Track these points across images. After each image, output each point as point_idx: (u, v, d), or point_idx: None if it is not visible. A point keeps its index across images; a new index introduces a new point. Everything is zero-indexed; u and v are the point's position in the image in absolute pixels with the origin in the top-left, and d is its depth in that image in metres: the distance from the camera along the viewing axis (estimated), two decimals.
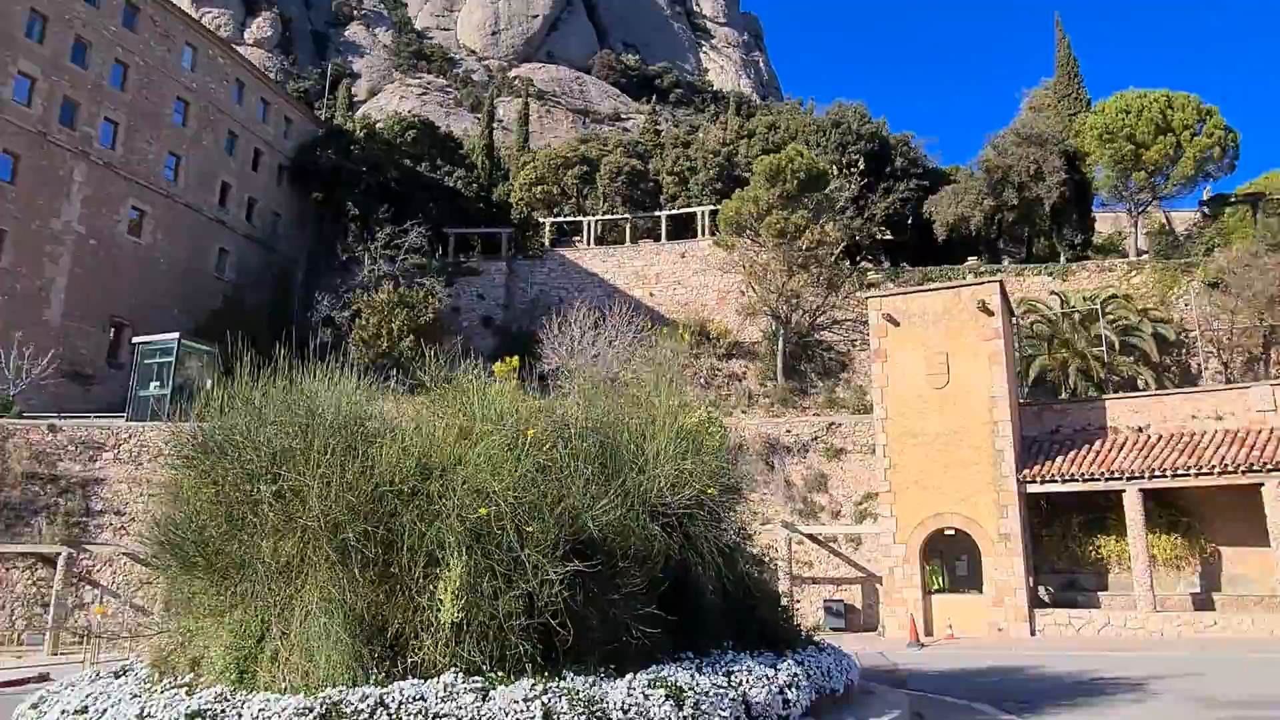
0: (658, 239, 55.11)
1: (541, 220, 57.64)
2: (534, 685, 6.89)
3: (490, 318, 53.47)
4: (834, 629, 25.80)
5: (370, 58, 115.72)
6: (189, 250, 48.17)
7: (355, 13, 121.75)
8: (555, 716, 6.65)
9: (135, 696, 7.48)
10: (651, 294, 52.69)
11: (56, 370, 35.97)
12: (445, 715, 6.59)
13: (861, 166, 48.65)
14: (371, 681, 7.10)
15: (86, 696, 7.68)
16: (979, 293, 25.73)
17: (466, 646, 7.13)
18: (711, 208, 52.89)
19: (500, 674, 7.15)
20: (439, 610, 6.99)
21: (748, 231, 39.28)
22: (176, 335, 34.00)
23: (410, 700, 6.70)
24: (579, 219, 57.56)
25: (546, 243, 56.82)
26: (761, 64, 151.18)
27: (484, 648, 7.08)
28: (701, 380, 46.66)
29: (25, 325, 38.38)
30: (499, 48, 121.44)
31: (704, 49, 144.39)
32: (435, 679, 7.00)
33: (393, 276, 45.11)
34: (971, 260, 43.45)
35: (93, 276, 42.27)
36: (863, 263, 50.37)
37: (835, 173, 46.26)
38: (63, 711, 7.60)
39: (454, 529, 7.04)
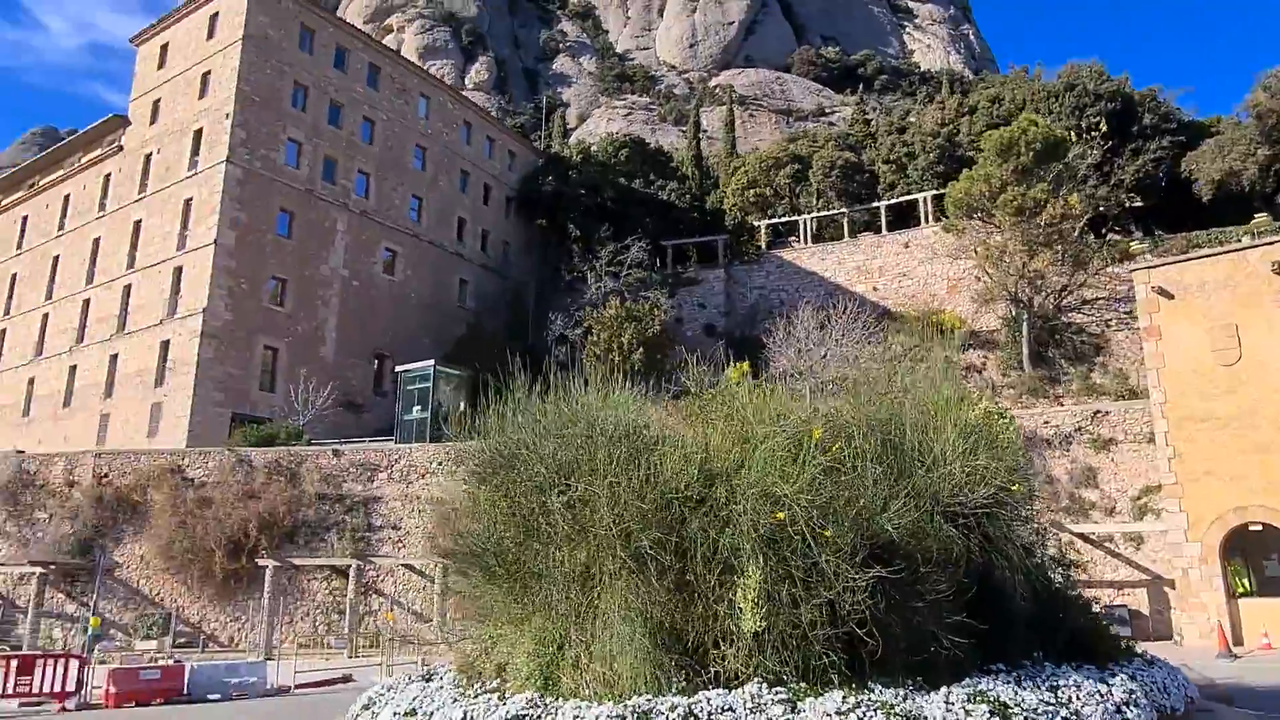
0: (877, 231, 53.21)
1: (756, 224, 57.36)
2: (844, 698, 6.61)
3: (713, 325, 53.81)
4: (1122, 638, 23.39)
5: (578, 86, 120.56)
6: (434, 284, 52.27)
7: (561, 46, 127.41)
8: None
9: (455, 701, 7.95)
10: (875, 288, 50.88)
11: (334, 401, 40.11)
12: None
13: (1103, 129, 44.43)
14: (673, 690, 7.11)
15: (413, 700, 8.28)
16: (1270, 254, 22.55)
17: (768, 656, 6.97)
18: (934, 193, 50.32)
19: (804, 685, 6.93)
20: (738, 618, 6.90)
21: (979, 213, 36.90)
22: (432, 362, 36.90)
23: (719, 711, 6.63)
24: (794, 219, 56.73)
25: (763, 246, 56.46)
26: (971, 36, 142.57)
27: (785, 657, 6.90)
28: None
29: (307, 363, 43.18)
30: (698, 59, 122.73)
31: (907, 30, 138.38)
32: (739, 689, 6.90)
33: (618, 292, 46.52)
34: (1261, 218, 38.25)
35: (357, 315, 46.85)
36: (1110, 235, 45.89)
37: (1073, 140, 42.51)
38: (394, 713, 8.22)
39: (748, 535, 6.93)
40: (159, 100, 47.59)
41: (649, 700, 6.87)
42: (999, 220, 35.92)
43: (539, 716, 7.14)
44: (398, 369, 38.86)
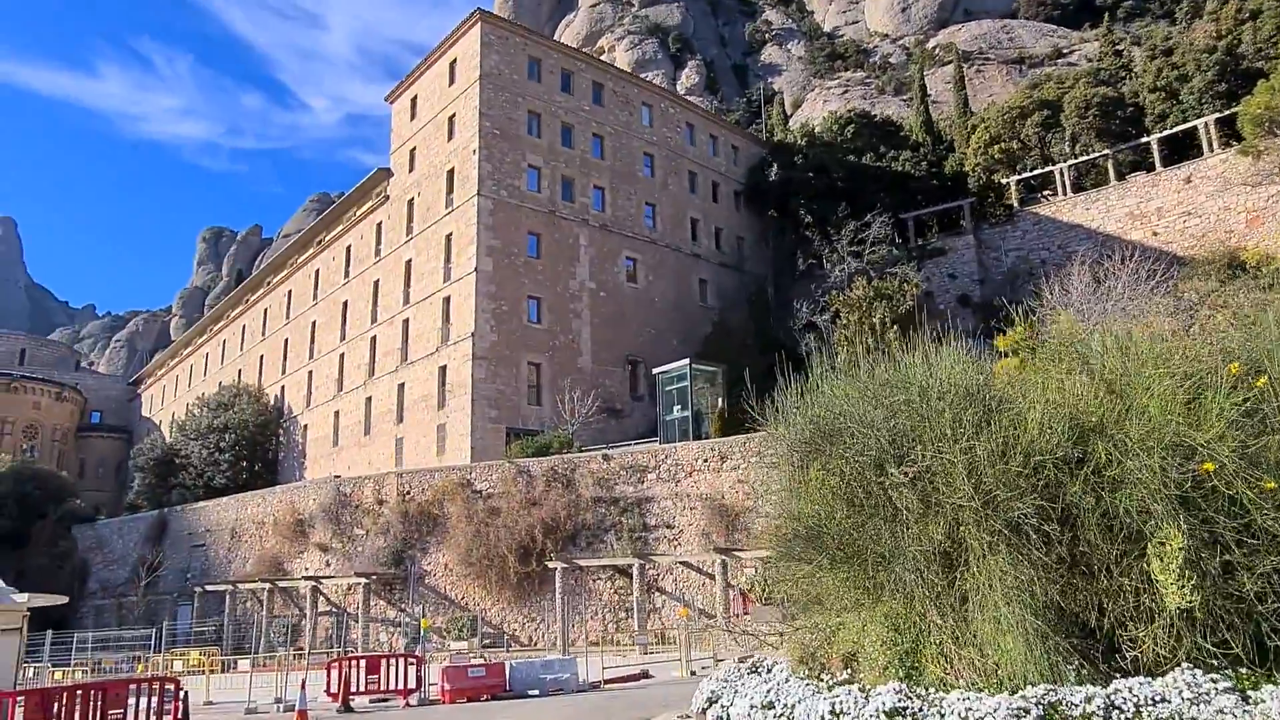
0: (1150, 170, 47.51)
1: (1004, 181, 53.19)
2: None
3: (967, 295, 50.52)
4: None
5: (788, 73, 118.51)
6: (675, 286, 53.08)
7: (767, 36, 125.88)
8: None
9: (816, 693, 7.52)
10: (1155, 233, 45.47)
11: (596, 409, 41.66)
12: None
13: None
14: (1074, 679, 6.24)
15: (768, 693, 7.96)
16: None
17: (1199, 636, 5.93)
18: (1218, 115, 44.14)
19: (1244, 671, 5.82)
20: (1158, 593, 5.92)
21: None
22: (687, 361, 37.31)
23: (1148, 702, 5.69)
24: (1047, 170, 51.99)
25: (1014, 204, 52.24)
26: None
27: (1225, 637, 5.82)
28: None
29: (567, 373, 45.25)
30: (911, 23, 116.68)
31: None
32: (1165, 675, 5.91)
33: (863, 271, 44.82)
34: None
35: (607, 324, 48.50)
36: None
37: None
38: (751, 706, 7.93)
39: (1158, 494, 5.93)
40: (414, 149, 52.01)
41: (1052, 690, 6.06)
42: None
43: (918, 710, 6.53)
44: (654, 370, 39.71)
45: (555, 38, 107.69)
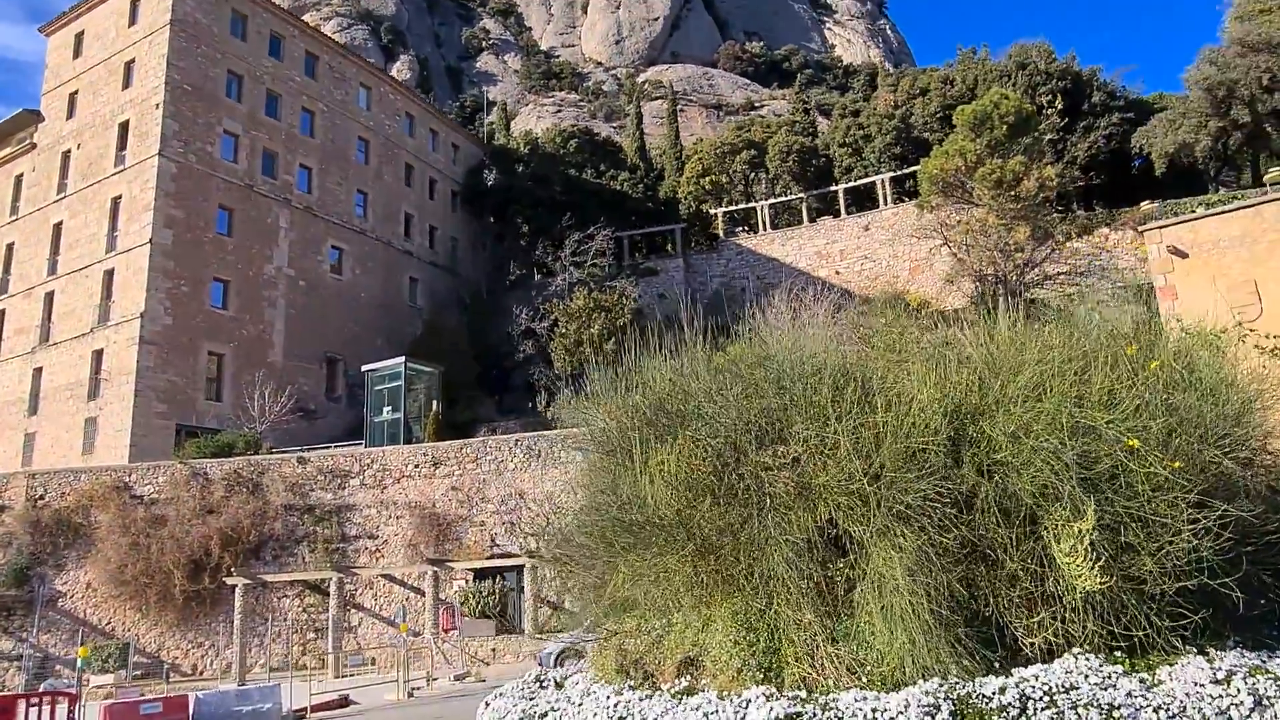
0: (836, 215, 52.91)
1: (711, 212, 56.47)
2: (1210, 663, 5.38)
3: (673, 315, 52.67)
4: None
5: (504, 84, 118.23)
6: (383, 283, 49.76)
7: (484, 44, 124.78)
8: (1267, 700, 5.12)
9: (676, 708, 6.43)
10: (837, 272, 50.55)
11: (289, 406, 37.43)
12: (1120, 706, 5.17)
13: (1059, 107, 44.85)
14: (968, 671, 5.78)
15: (615, 708, 6.72)
16: None
17: (1088, 622, 5.70)
18: (892, 174, 50.25)
19: (1151, 655, 5.70)
20: (1066, 577, 5.59)
21: (956, 189, 36.61)
22: (402, 360, 34.72)
23: (1060, 690, 5.32)
24: (750, 205, 56.05)
25: (720, 234, 55.60)
26: (889, 32, 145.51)
27: (1124, 622, 5.63)
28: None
29: (254, 367, 40.34)
30: (624, 55, 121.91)
31: (827, 25, 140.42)
32: (1066, 662, 5.60)
33: (583, 283, 44.93)
34: (1275, 172, 38.87)
35: (305, 316, 44.10)
36: (1070, 211, 46.45)
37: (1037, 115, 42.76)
38: None
39: (1066, 476, 5.63)
40: (75, 92, 43.99)
41: (960, 682, 5.53)
42: (978, 194, 35.66)
43: (813, 714, 5.70)
44: (364, 368, 36.50)
45: None
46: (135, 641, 28.64)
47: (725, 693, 6.70)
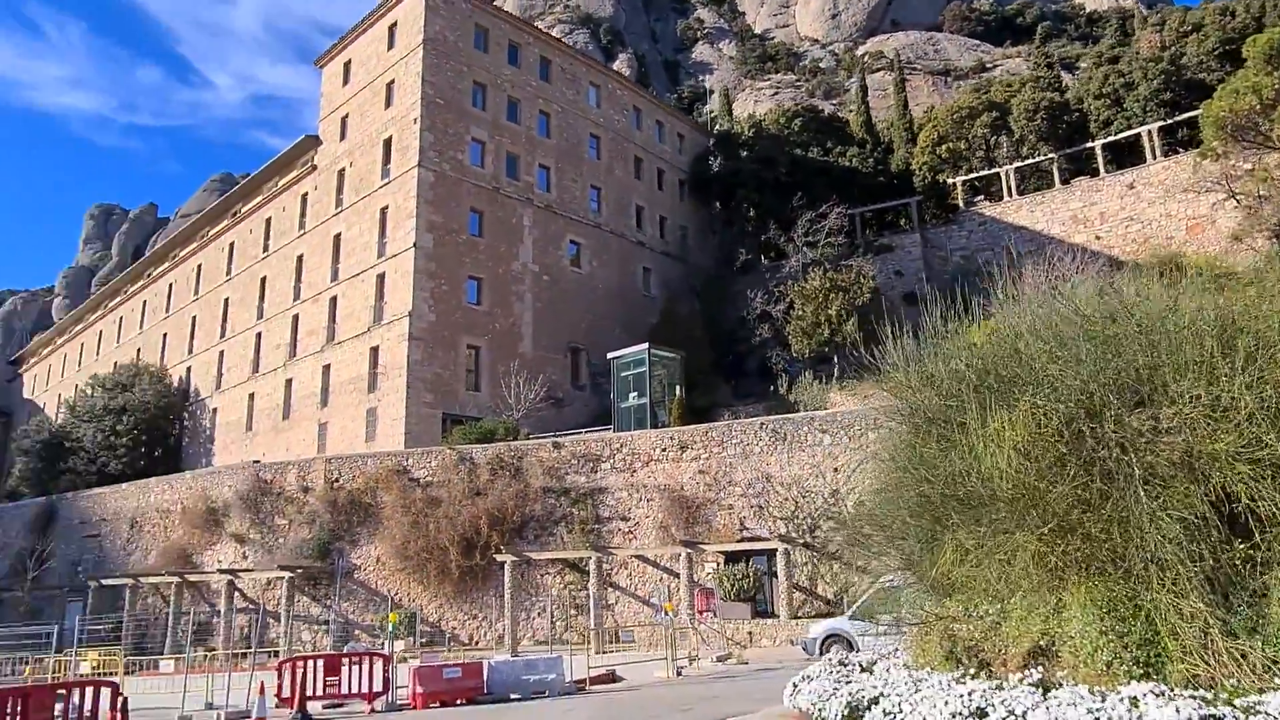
0: (1093, 174, 48.23)
1: (950, 181, 53.34)
2: None
3: (912, 293, 50.28)
4: None
5: (719, 72, 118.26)
6: (618, 273, 51.29)
7: (699, 34, 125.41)
8: None
9: (1074, 702, 5.84)
10: (1097, 236, 46.08)
11: (541, 395, 39.48)
12: None
13: None
14: None
15: (969, 696, 6.26)
16: None
17: None
18: (1162, 123, 45.03)
19: None
20: None
21: (1249, 132, 32.10)
22: (645, 346, 35.58)
23: None
24: (993, 171, 52.36)
25: (960, 204, 52.42)
26: None
27: None
28: None
29: (507, 359, 42.90)
30: (841, 30, 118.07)
31: None
32: None
33: (818, 263, 43.90)
34: None
35: (549, 309, 46.34)
36: None
37: None
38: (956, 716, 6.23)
39: None
40: (346, 116, 48.73)
41: None
42: (1277, 135, 31.06)
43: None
44: (610, 355, 37.77)
45: None
46: (420, 611, 31.33)
47: (1094, 688, 6.03)
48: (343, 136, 48.63)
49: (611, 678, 20.60)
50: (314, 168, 50.23)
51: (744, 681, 17.24)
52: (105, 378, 57.03)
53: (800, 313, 40.40)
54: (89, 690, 10.69)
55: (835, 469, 29.04)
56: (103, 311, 74.17)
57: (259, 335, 51.41)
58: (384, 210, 43.87)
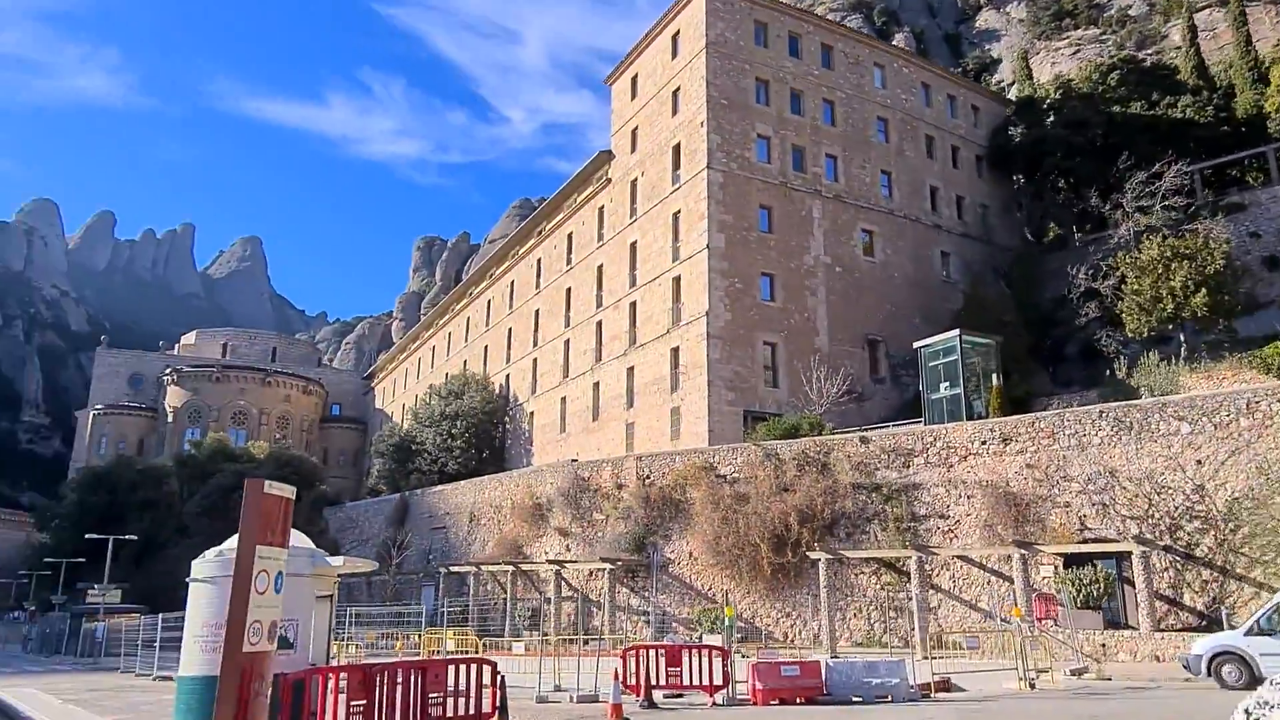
0: None
1: None
2: None
3: (1274, 257, 42.96)
4: None
5: (1007, 38, 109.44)
6: (914, 260, 48.84)
7: (981, 1, 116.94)
8: None
9: None
10: None
11: (842, 389, 38.43)
12: None
13: None
14: None
15: None
16: None
17: None
18: None
19: None
20: None
21: None
22: (956, 333, 33.39)
23: None
24: None
25: None
26: None
27: None
28: None
29: (803, 354, 42.32)
30: None
31: None
32: None
33: (1153, 230, 38.80)
34: None
35: (843, 301, 45.10)
36: None
37: None
38: None
39: None
40: (636, 128, 50.78)
41: None
42: None
43: None
44: (917, 344, 35.95)
45: None
46: (733, 607, 31.57)
47: None
48: (633, 148, 50.72)
49: (947, 685, 19.28)
50: (608, 181, 52.87)
51: (1129, 702, 15.25)
52: (440, 387, 64.03)
53: (1136, 286, 35.87)
54: (472, 666, 11.59)
55: (1198, 461, 25.30)
56: (434, 329, 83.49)
57: (567, 342, 55.01)
58: (676, 215, 45.08)
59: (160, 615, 31.55)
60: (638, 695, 15.32)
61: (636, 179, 49.80)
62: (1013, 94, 68.53)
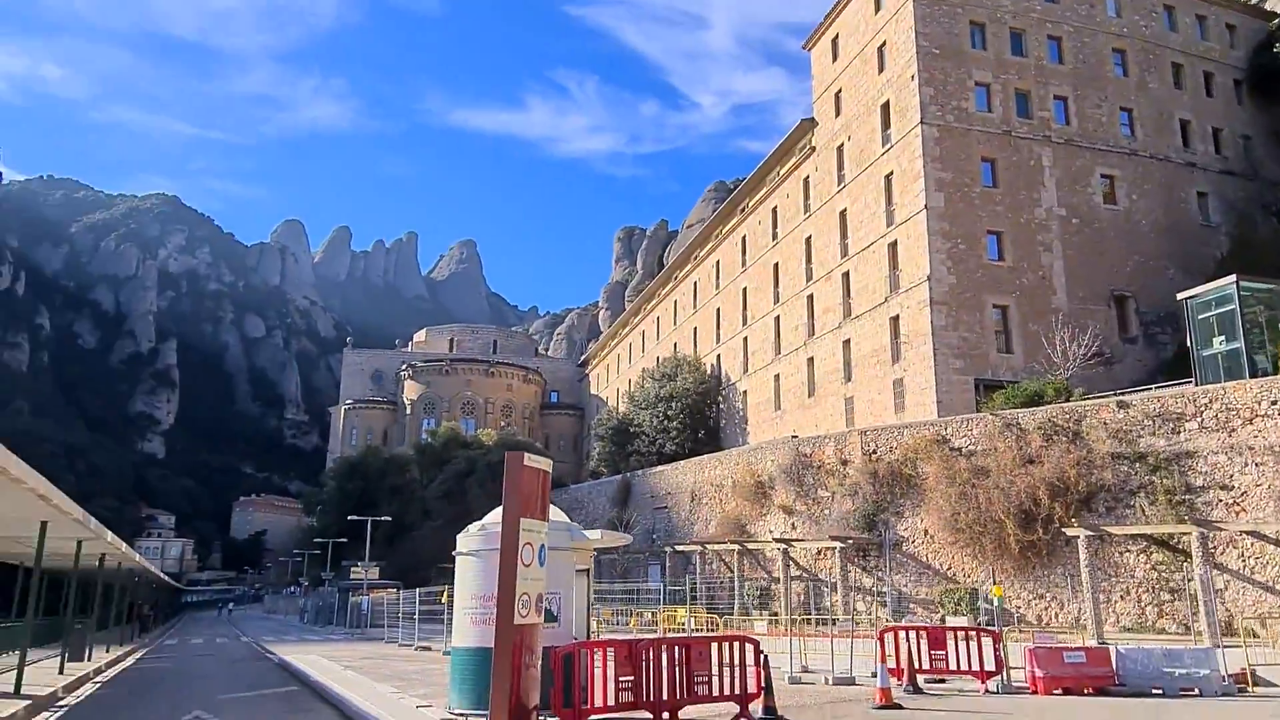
0: None
1: None
2: None
3: None
4: None
5: None
6: (1164, 204, 43.69)
7: None
8: None
9: None
10: None
11: (1090, 351, 34.98)
12: None
13: None
14: None
15: None
16: None
17: None
18: None
19: None
20: None
21: None
22: (1233, 279, 29.32)
23: None
24: None
25: None
26: None
27: None
28: None
29: (1038, 316, 39.01)
30: None
31: None
32: None
33: None
34: None
35: (1082, 255, 41.11)
36: None
37: None
38: None
39: None
40: (839, 91, 48.74)
41: None
42: None
43: None
44: (1181, 295, 31.93)
45: None
46: (979, 588, 29.55)
47: None
48: (837, 113, 48.73)
49: (1251, 678, 16.82)
50: (812, 150, 51.17)
51: None
52: (652, 370, 64.97)
53: None
54: (735, 645, 11.20)
55: None
56: (641, 315, 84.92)
57: (777, 319, 53.97)
58: (888, 177, 42.84)
59: (417, 590, 34.03)
60: (898, 679, 14.37)
61: (843, 144, 47.81)
62: (1275, 5, 59.63)
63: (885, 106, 43.65)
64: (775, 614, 34.36)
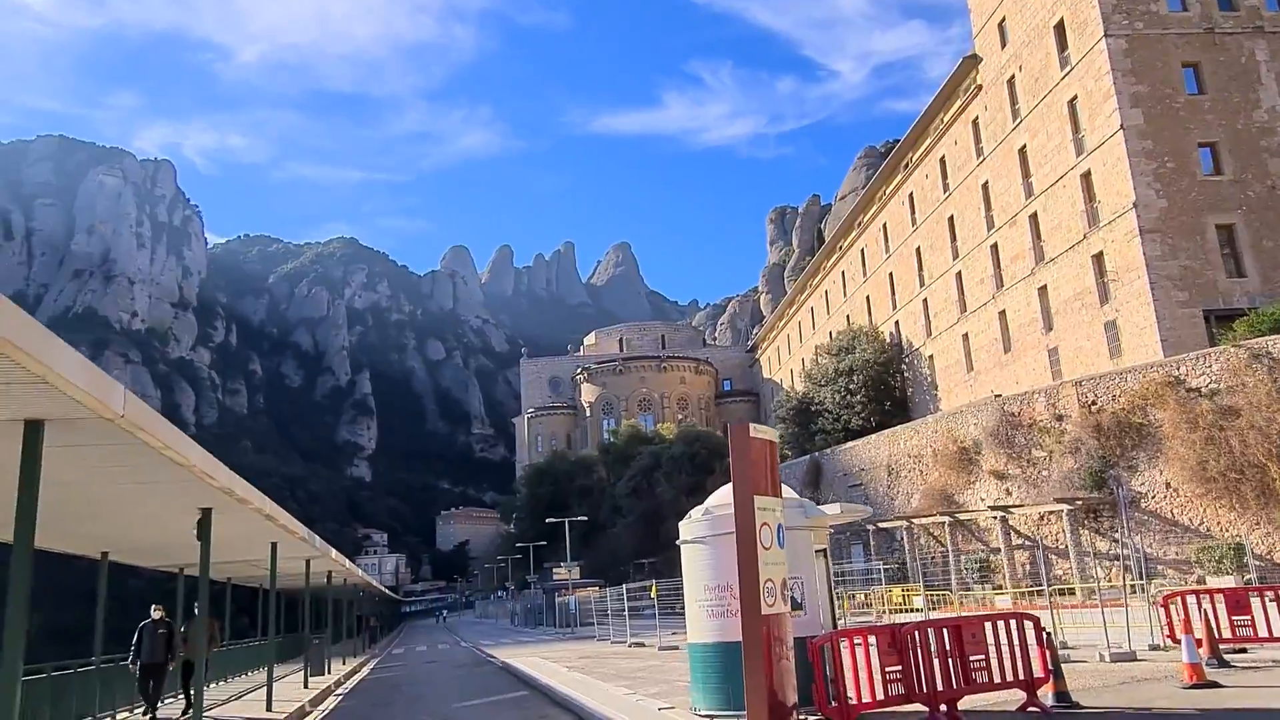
0: None
1: None
2: None
3: None
4: None
5: None
6: None
7: None
8: None
9: None
10: None
11: None
12: None
13: None
14: None
15: None
16: None
17: None
18: None
19: None
20: None
21: None
22: None
23: None
24: None
25: None
26: None
27: None
28: None
29: (1273, 232, 34.40)
30: None
31: None
32: None
33: None
34: None
35: None
36: None
37: None
38: None
39: None
40: (1002, 21, 45.00)
41: None
42: None
43: None
44: None
45: None
46: (1245, 542, 26.11)
47: None
48: (1003, 43, 44.99)
49: None
50: (979, 88, 47.57)
51: None
52: (827, 346, 62.71)
53: None
54: (1012, 623, 9.82)
55: None
56: (807, 292, 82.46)
57: (958, 275, 50.61)
58: (1072, 102, 39.00)
59: (624, 586, 33.98)
60: (1201, 650, 12.37)
61: (1013, 76, 44.08)
62: None
63: (1059, 26, 39.79)
64: (999, 587, 31.88)
